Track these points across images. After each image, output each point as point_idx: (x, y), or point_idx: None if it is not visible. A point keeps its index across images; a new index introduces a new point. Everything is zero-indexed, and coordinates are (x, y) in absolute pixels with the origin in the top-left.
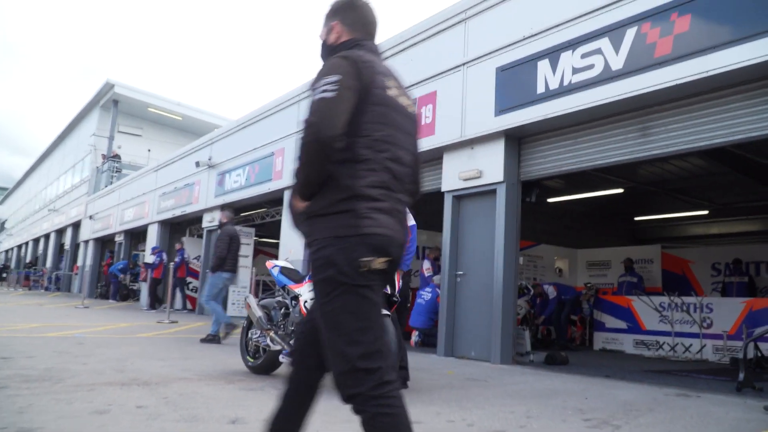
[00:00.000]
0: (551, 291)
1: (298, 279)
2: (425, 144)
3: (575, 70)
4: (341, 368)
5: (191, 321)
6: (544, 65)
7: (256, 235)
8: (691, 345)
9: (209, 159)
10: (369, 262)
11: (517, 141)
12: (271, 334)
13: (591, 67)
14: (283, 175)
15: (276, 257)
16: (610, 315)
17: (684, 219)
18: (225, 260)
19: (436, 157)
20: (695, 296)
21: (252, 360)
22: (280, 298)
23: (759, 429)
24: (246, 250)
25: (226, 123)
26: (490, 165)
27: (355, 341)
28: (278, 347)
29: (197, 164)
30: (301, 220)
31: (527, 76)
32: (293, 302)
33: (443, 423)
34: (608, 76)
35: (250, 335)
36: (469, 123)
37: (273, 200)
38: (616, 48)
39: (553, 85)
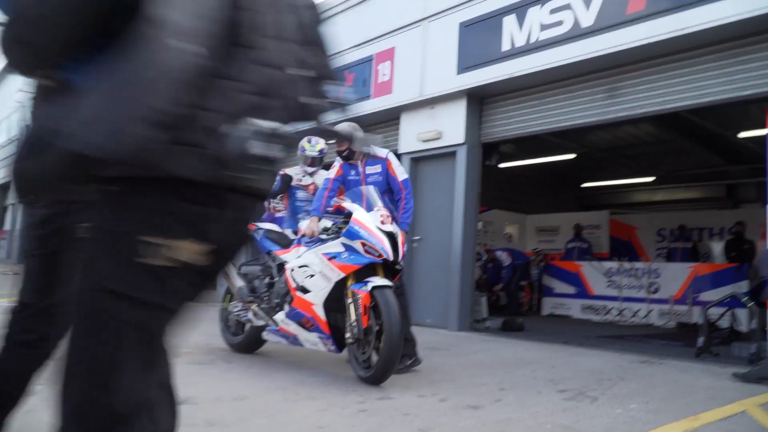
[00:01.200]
0: (505, 257)
1: (285, 244)
2: (382, 103)
3: (543, 27)
4: None
5: None
6: (510, 21)
7: None
8: (639, 310)
9: None
10: None
11: (479, 101)
12: (254, 307)
13: (560, 23)
14: None
15: None
16: (558, 280)
17: (630, 186)
18: None
19: (393, 117)
20: (643, 261)
21: (233, 337)
22: (264, 266)
23: (736, 398)
24: None
25: None
26: (450, 126)
27: None
28: (262, 323)
29: None
30: None
31: (492, 33)
32: (279, 271)
33: (414, 398)
34: (578, 34)
35: (230, 308)
36: (429, 81)
37: None
38: (587, 4)
39: (520, 42)
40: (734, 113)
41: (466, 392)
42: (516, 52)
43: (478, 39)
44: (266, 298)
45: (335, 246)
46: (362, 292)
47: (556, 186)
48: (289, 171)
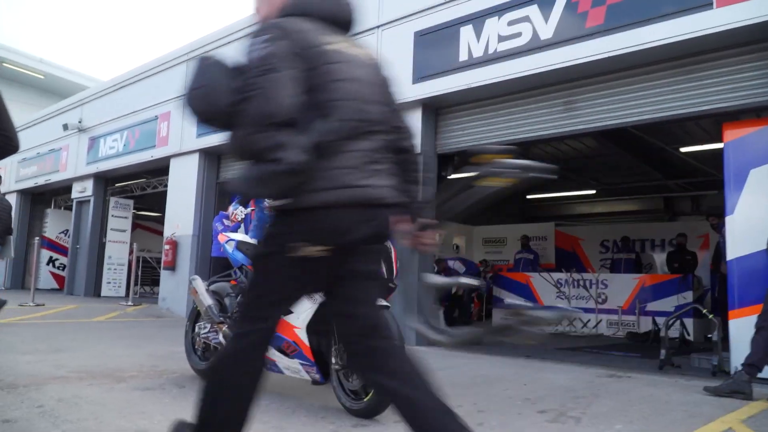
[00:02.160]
0: (459, 266)
1: None
2: None
3: (501, 38)
4: None
5: (61, 303)
6: (467, 31)
7: (135, 208)
8: (588, 320)
9: (79, 122)
10: None
11: (434, 111)
12: (224, 329)
13: (518, 35)
14: (169, 141)
15: (160, 233)
16: (508, 291)
17: (572, 198)
18: None
19: None
20: (591, 272)
21: (201, 362)
22: (234, 282)
23: (716, 414)
24: (123, 224)
25: (96, 85)
26: None
27: None
28: None
29: (65, 127)
30: None
31: (449, 43)
32: None
33: (391, 426)
34: (536, 46)
35: (197, 329)
36: None
37: (156, 169)
38: (546, 16)
39: (477, 52)
40: (676, 129)
41: None
42: (473, 63)
43: (434, 49)
44: None
45: None
46: None
47: (500, 197)
48: None
